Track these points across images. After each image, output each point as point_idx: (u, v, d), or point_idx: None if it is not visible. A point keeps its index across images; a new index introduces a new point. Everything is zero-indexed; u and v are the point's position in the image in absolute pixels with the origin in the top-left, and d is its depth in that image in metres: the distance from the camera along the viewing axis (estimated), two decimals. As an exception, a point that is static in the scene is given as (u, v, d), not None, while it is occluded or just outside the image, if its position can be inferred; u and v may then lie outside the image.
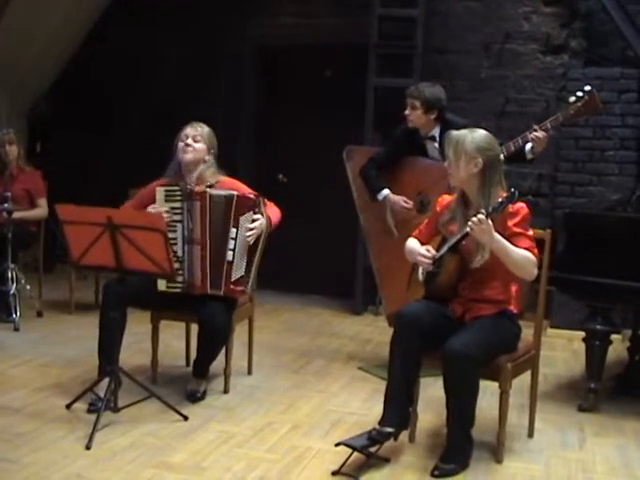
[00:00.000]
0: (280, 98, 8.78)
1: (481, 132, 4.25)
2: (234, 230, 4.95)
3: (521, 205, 4.20)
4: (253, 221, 4.97)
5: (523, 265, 4.13)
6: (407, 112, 5.69)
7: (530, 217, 4.27)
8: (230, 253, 4.95)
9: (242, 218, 4.95)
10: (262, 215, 5.01)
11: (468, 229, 4.02)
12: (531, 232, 4.24)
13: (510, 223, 4.16)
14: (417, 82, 6.39)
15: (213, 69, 8.79)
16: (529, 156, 5.42)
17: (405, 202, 5.79)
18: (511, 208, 4.13)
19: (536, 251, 4.21)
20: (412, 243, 4.50)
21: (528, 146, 5.39)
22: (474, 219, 3.97)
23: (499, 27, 7.97)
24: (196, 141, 5.10)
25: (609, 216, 5.72)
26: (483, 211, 3.98)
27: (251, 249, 5.02)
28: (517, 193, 4.01)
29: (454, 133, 4.24)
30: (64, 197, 4.83)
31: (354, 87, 8.00)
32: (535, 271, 4.18)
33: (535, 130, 5.33)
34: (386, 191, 5.83)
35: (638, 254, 4.97)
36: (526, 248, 4.13)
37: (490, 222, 3.98)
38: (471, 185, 4.24)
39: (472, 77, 8.00)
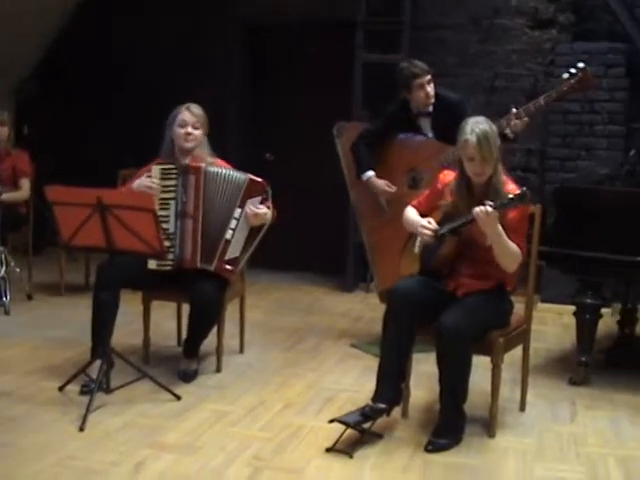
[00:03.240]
0: (267, 76, 8.75)
1: (485, 120, 4.22)
2: (239, 210, 5.00)
3: None
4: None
5: (510, 259, 4.16)
6: (430, 91, 5.65)
7: (528, 213, 4.32)
8: (230, 232, 5.00)
9: (249, 201, 5.01)
10: (269, 208, 5.07)
11: (475, 216, 4.02)
12: (525, 228, 4.29)
13: (510, 215, 4.15)
14: (405, 58, 6.39)
15: (199, 48, 8.71)
16: (510, 135, 5.42)
17: (388, 186, 5.78)
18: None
19: (525, 250, 4.26)
20: (412, 213, 4.48)
21: (508, 129, 5.39)
22: (483, 209, 3.97)
23: (487, 2, 7.97)
24: (195, 128, 5.11)
25: (598, 190, 5.73)
26: (491, 203, 3.98)
27: (251, 234, 5.08)
28: (529, 194, 4.01)
29: (473, 133, 4.10)
30: (53, 179, 4.80)
31: (342, 64, 7.99)
32: (516, 267, 4.21)
33: (517, 115, 5.36)
34: (370, 173, 5.81)
35: (627, 227, 5.00)
36: (517, 244, 4.15)
37: (497, 214, 3.99)
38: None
39: (461, 52, 7.99)
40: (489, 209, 3.95)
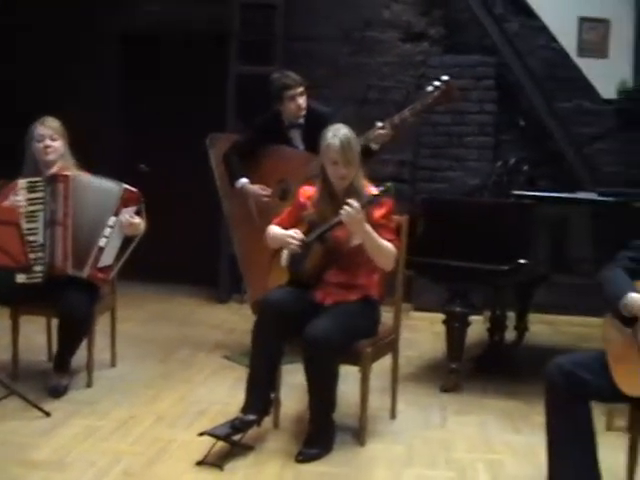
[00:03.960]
0: (142, 87, 8.66)
1: (345, 125, 4.31)
2: (113, 218, 5.01)
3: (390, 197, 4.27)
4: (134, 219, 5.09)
5: (385, 256, 4.22)
6: (302, 103, 5.71)
7: (394, 209, 4.35)
8: (104, 239, 5.01)
9: (124, 210, 5.04)
10: (142, 218, 5.13)
11: (342, 218, 4.05)
12: (394, 224, 4.34)
13: (376, 214, 4.22)
14: (279, 69, 6.42)
15: (75, 58, 8.55)
16: (374, 147, 5.48)
17: (262, 189, 5.80)
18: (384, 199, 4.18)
19: (397, 243, 4.31)
20: (275, 229, 4.49)
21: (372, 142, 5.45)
22: (349, 209, 4.00)
23: (359, 15, 8.05)
24: (54, 140, 5.10)
25: (463, 201, 5.87)
26: (355, 203, 4.02)
27: (125, 243, 5.11)
28: (393, 188, 4.08)
29: (335, 137, 4.20)
30: None
31: (216, 75, 7.97)
32: (393, 263, 4.29)
33: (381, 128, 5.42)
34: (244, 180, 5.83)
35: (492, 237, 5.12)
36: (389, 240, 4.21)
37: (362, 213, 4.03)
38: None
39: (333, 64, 8.04)
40: (356, 206, 4.00)
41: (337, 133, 4.22)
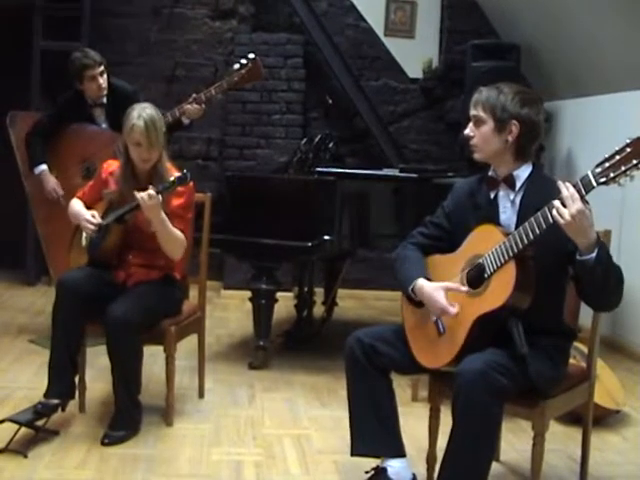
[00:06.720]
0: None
1: (152, 105, 4.22)
2: None
3: (190, 186, 4.24)
4: None
5: (174, 246, 4.18)
6: (102, 82, 5.62)
7: (193, 200, 4.34)
8: None
9: None
10: None
11: (139, 202, 3.99)
12: (190, 215, 4.32)
13: (174, 203, 4.19)
14: (85, 45, 6.32)
15: None
16: (186, 122, 5.48)
17: (56, 187, 5.73)
18: (180, 188, 4.15)
19: (189, 236, 4.29)
20: (77, 205, 4.37)
21: (184, 116, 5.44)
22: (145, 194, 3.95)
23: (169, -9, 7.99)
24: None
25: (266, 178, 5.90)
26: (153, 188, 3.98)
27: None
28: (189, 176, 4.04)
29: (140, 118, 4.08)
30: None
31: (20, 50, 7.73)
32: (181, 254, 4.26)
33: (191, 102, 5.40)
34: (43, 167, 5.72)
35: (296, 213, 5.18)
36: (181, 230, 4.18)
37: (160, 198, 3.99)
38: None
39: (141, 41, 7.96)
40: (151, 192, 3.95)
41: (142, 113, 4.11)
